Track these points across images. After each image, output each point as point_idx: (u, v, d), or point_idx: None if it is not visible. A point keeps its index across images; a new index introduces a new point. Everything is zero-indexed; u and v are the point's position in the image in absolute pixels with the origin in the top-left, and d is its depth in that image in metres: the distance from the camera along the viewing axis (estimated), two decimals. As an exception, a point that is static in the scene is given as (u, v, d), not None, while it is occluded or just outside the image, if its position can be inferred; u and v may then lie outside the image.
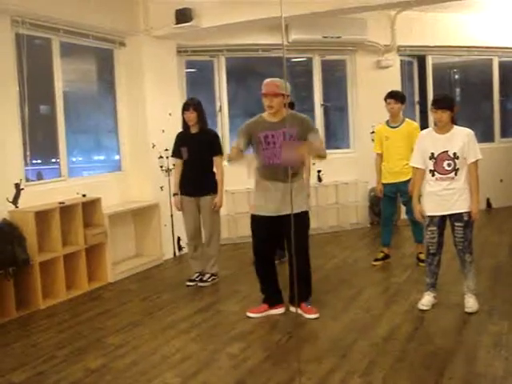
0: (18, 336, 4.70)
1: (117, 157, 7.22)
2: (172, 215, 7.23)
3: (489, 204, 9.05)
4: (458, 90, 10.51)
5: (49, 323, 4.98)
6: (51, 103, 6.21)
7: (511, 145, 9.72)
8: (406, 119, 6.27)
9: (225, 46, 8.05)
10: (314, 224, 8.12)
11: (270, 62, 8.47)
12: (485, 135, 9.96)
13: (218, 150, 5.87)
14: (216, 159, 5.84)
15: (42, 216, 5.49)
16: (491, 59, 9.81)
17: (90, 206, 6.05)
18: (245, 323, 4.73)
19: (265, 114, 4.82)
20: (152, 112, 7.04)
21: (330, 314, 4.82)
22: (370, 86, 8.68)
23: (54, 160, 6.33)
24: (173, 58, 7.45)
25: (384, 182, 6.25)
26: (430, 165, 4.69)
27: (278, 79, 4.72)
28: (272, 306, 4.93)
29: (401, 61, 9.09)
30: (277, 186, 4.68)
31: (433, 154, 4.66)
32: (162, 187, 7.16)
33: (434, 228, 4.75)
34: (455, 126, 4.67)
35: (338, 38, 8.20)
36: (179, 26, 6.65)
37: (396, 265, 6.31)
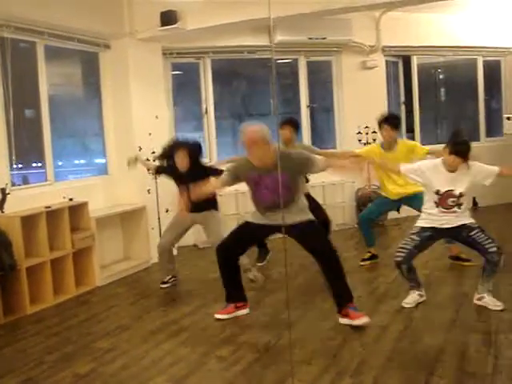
0: (6, 342, 4.65)
1: (103, 160, 7.18)
2: (159, 218, 7.21)
3: (475, 203, 9.08)
4: (442, 89, 10.57)
5: (36, 328, 4.93)
6: (36, 107, 6.18)
7: (496, 144, 9.77)
8: (398, 139, 6.17)
9: (210, 48, 8.05)
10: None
11: (255, 63, 8.49)
12: (470, 134, 9.97)
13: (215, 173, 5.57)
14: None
15: (28, 221, 5.45)
16: (476, 59, 9.88)
17: (76, 210, 6.02)
18: (234, 326, 4.72)
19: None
20: (138, 115, 7.01)
21: (318, 315, 4.83)
22: (356, 86, 8.72)
23: (40, 164, 6.28)
24: (158, 60, 7.42)
25: (390, 197, 6.20)
26: (435, 198, 4.73)
27: (256, 125, 4.53)
28: (237, 303, 4.94)
29: (386, 61, 9.13)
30: (275, 212, 4.53)
31: (438, 190, 4.69)
32: (149, 190, 7.13)
33: (418, 239, 4.80)
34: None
35: (324, 39, 8.22)
36: (164, 28, 6.63)
37: (384, 265, 6.31)
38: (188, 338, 4.50)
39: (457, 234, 4.81)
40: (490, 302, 4.77)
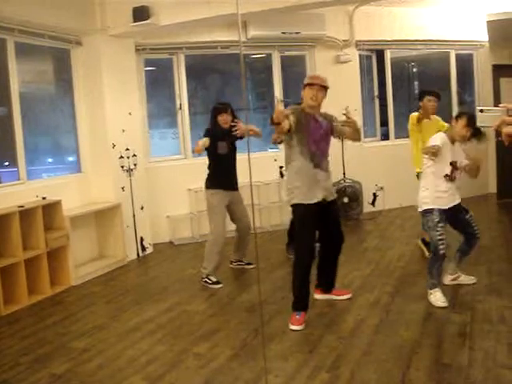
0: (-20, 344, 4.60)
1: (76, 158, 7.10)
2: (134, 215, 7.17)
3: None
4: (416, 83, 10.63)
5: (11, 330, 4.87)
6: (7, 105, 6.08)
7: (469, 136, 9.86)
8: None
9: (184, 44, 7.99)
10: (281, 219, 8.17)
11: (229, 58, 8.47)
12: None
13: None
14: None
15: (0, 220, 5.38)
16: (448, 52, 9.93)
17: (50, 209, 5.95)
18: (210, 322, 4.71)
19: (305, 106, 4.78)
20: (111, 111, 6.95)
21: (296, 310, 4.83)
22: (330, 80, 8.57)
23: (10, 163, 6.20)
24: (131, 56, 7.36)
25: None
26: (447, 170, 4.81)
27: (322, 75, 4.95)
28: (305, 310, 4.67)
29: (359, 55, 9.15)
30: (321, 174, 4.71)
31: (452, 162, 4.80)
32: (123, 188, 7.07)
33: (442, 224, 4.79)
34: None
35: (297, 33, 8.22)
36: (137, 24, 6.56)
37: (359, 258, 6.35)
38: (164, 336, 4.48)
39: (456, 213, 4.93)
40: (465, 278, 5.14)
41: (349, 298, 5.04)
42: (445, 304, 4.67)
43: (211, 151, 5.76)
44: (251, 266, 6.20)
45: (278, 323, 4.57)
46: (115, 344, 4.38)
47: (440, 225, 4.75)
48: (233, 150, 5.87)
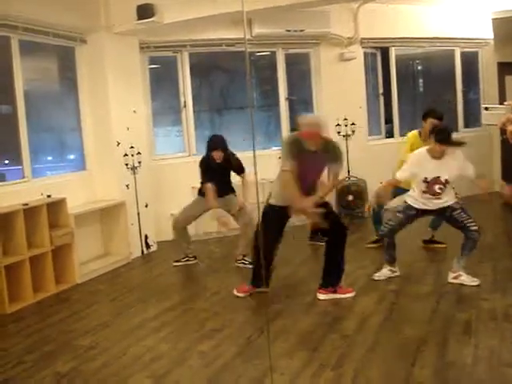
0: (-15, 342, 4.61)
1: (81, 156, 7.11)
2: (139, 213, 7.18)
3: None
4: (421, 80, 10.61)
5: (16, 328, 4.88)
6: (12, 103, 6.09)
7: (474, 134, 9.82)
8: None
9: (188, 41, 7.99)
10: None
11: (233, 56, 8.45)
12: (448, 125, 10.05)
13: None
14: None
15: (5, 218, 5.39)
16: (453, 50, 9.91)
17: (55, 207, 5.96)
18: (215, 320, 4.71)
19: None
20: (116, 109, 6.95)
21: (299, 308, 4.83)
22: (334, 78, 8.72)
23: (16, 161, 6.20)
24: (135, 54, 7.36)
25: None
26: (423, 186, 4.97)
27: (316, 117, 5.19)
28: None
29: (364, 53, 9.12)
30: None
31: (426, 178, 4.93)
32: (127, 185, 7.08)
33: (401, 216, 5.14)
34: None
35: (302, 31, 8.20)
36: (141, 22, 6.56)
37: (364, 256, 6.34)
38: (169, 334, 4.49)
39: (440, 212, 5.11)
40: (466, 279, 5.07)
41: (352, 296, 5.04)
42: (377, 278, 5.38)
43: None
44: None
45: (282, 321, 4.56)
46: (120, 342, 4.39)
47: (398, 214, 5.14)
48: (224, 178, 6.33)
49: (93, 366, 3.97)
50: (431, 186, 4.93)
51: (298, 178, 4.77)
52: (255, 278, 5.19)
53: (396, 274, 5.44)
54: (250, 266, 6.13)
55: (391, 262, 5.45)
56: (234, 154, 6.28)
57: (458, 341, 3.94)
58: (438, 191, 4.94)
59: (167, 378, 3.70)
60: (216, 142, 6.17)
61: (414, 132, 6.31)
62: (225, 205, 6.26)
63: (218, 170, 6.18)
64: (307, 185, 4.83)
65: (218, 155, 6.09)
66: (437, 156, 4.89)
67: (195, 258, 6.61)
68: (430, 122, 6.03)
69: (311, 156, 4.76)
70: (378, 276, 5.44)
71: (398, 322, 4.39)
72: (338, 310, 4.76)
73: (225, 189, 6.29)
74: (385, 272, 5.45)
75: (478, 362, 3.58)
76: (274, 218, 4.99)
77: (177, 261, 6.58)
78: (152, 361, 3.98)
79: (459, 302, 4.71)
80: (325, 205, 4.92)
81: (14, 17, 5.81)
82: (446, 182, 4.91)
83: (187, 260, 6.55)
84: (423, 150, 5.01)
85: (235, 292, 5.27)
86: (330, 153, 4.83)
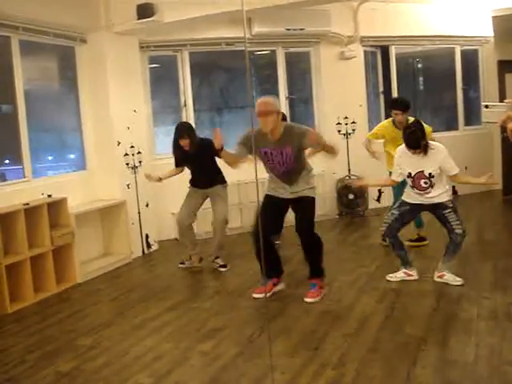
0: (-14, 341, 4.61)
1: (81, 155, 7.10)
2: (139, 213, 7.18)
3: (454, 191, 9.14)
4: (421, 79, 10.60)
5: (17, 327, 4.89)
6: (12, 102, 6.09)
7: (475, 132, 9.83)
8: (410, 118, 6.08)
9: (188, 41, 7.98)
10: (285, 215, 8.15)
11: (233, 55, 8.44)
12: (449, 123, 10.10)
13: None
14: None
15: (6, 218, 5.39)
16: (453, 48, 9.90)
17: (55, 207, 5.96)
18: (216, 320, 4.71)
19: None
20: (116, 109, 6.94)
21: (301, 307, 4.83)
22: (335, 77, 8.72)
23: (17, 160, 6.20)
24: (135, 53, 7.35)
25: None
26: (409, 181, 5.04)
27: (268, 97, 4.90)
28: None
29: (364, 51, 9.12)
30: (284, 186, 5.02)
31: (410, 173, 4.99)
32: (128, 185, 7.08)
33: (396, 212, 5.19)
34: (429, 143, 4.89)
35: (302, 30, 8.20)
36: (141, 21, 6.56)
37: (365, 255, 6.34)
38: (170, 334, 4.49)
39: (433, 209, 5.10)
40: (450, 278, 5.11)
41: (313, 302, 4.92)
42: (390, 279, 5.32)
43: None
44: (223, 269, 6.18)
45: (283, 320, 4.57)
46: (121, 341, 4.39)
47: (393, 211, 5.20)
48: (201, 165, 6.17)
49: (94, 365, 3.98)
50: (416, 180, 4.97)
51: (272, 170, 4.99)
52: (263, 272, 5.08)
53: (412, 278, 5.30)
54: (222, 269, 6.12)
55: (404, 264, 5.35)
56: (206, 139, 5.97)
57: (459, 340, 3.94)
58: (424, 185, 4.96)
59: (168, 377, 3.70)
60: (181, 130, 6.11)
61: (389, 119, 6.47)
62: (204, 197, 6.27)
63: (191, 158, 6.13)
64: (285, 173, 4.93)
65: (184, 143, 6.04)
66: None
67: (201, 259, 6.39)
68: (394, 113, 6.21)
69: (274, 145, 4.83)
70: (390, 277, 5.36)
71: (398, 321, 4.39)
72: (338, 309, 4.76)
73: (206, 180, 6.19)
74: (399, 274, 5.36)
75: (479, 361, 3.58)
76: (268, 204, 5.05)
77: (181, 262, 6.46)
78: (153, 360, 3.98)
79: (460, 300, 4.71)
80: (303, 200, 4.98)
81: (13, 17, 5.81)
82: (430, 175, 4.90)
83: (191, 263, 6.38)
84: (402, 146, 5.03)
85: (254, 295, 5.17)
86: (292, 135, 4.80)
